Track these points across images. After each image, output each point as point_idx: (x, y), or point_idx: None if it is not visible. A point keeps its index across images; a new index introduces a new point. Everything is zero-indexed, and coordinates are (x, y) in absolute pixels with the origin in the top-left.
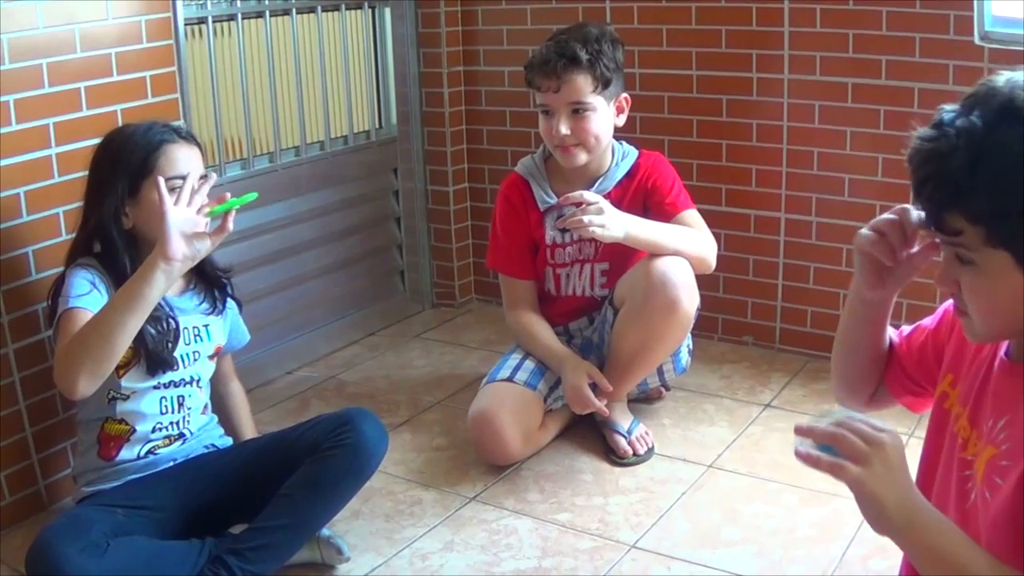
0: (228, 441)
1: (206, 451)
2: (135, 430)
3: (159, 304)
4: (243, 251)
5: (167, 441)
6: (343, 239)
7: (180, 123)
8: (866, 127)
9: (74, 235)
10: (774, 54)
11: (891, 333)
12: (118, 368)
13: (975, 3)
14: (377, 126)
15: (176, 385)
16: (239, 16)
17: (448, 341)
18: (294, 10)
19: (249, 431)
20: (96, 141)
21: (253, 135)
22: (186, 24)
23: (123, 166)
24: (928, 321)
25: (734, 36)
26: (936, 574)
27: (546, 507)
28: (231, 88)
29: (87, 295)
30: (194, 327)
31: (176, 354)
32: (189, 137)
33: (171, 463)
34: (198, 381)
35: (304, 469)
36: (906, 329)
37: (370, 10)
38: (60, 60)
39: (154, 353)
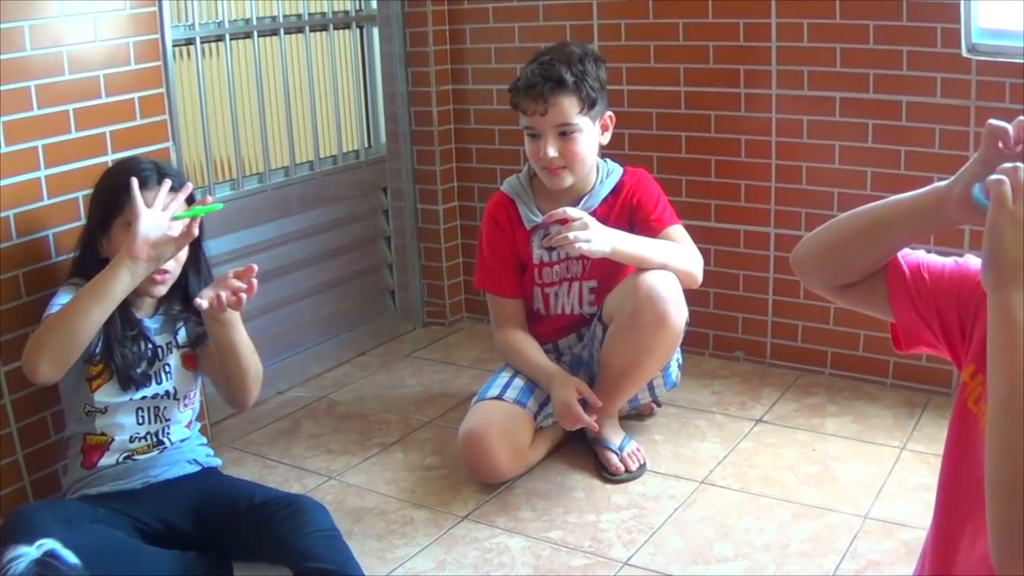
0: (215, 462)
1: (189, 470)
2: (114, 439)
3: (137, 325)
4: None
5: (146, 447)
6: (333, 259)
7: (163, 163)
8: (854, 141)
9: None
10: (762, 69)
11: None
12: (91, 382)
13: (962, 16)
14: (366, 145)
15: (152, 398)
16: (227, 37)
17: (439, 360)
18: (282, 30)
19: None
20: (85, 163)
21: (242, 155)
22: (174, 45)
23: (97, 203)
24: (939, 262)
25: (722, 52)
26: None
27: (538, 525)
28: (220, 109)
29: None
30: (167, 343)
31: (153, 369)
32: (162, 180)
33: (152, 474)
34: (174, 394)
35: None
36: (911, 254)
37: (358, 29)
38: (48, 82)
39: (123, 371)
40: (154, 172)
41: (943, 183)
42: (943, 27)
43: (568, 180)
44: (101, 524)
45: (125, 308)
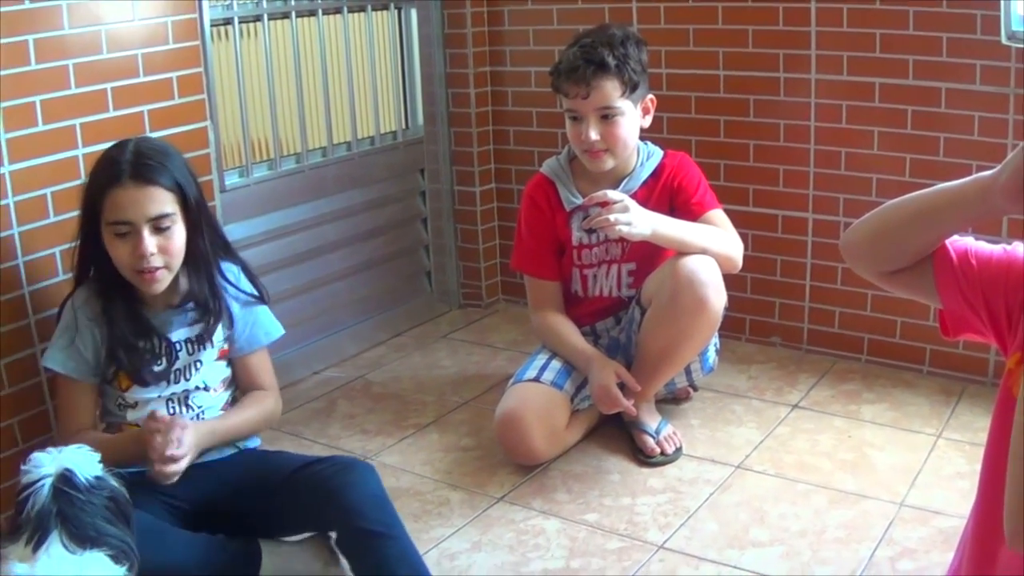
0: (254, 442)
1: (227, 452)
2: None
3: (144, 323)
4: (270, 252)
5: None
6: (370, 240)
7: (149, 148)
8: (893, 127)
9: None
10: (801, 54)
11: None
12: (122, 381)
13: (1002, 3)
14: (404, 127)
15: (183, 392)
16: (265, 17)
17: (475, 341)
18: (320, 11)
19: (227, 424)
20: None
21: (280, 136)
22: (212, 25)
23: (86, 201)
24: (987, 249)
25: (761, 36)
26: None
27: (574, 507)
28: (257, 89)
29: (66, 348)
30: (187, 340)
31: (176, 367)
32: (146, 175)
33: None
34: (206, 387)
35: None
36: (959, 241)
37: (396, 11)
38: (86, 61)
39: (134, 370)
40: (128, 168)
41: (988, 172)
42: (983, 14)
43: (609, 163)
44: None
45: (131, 306)
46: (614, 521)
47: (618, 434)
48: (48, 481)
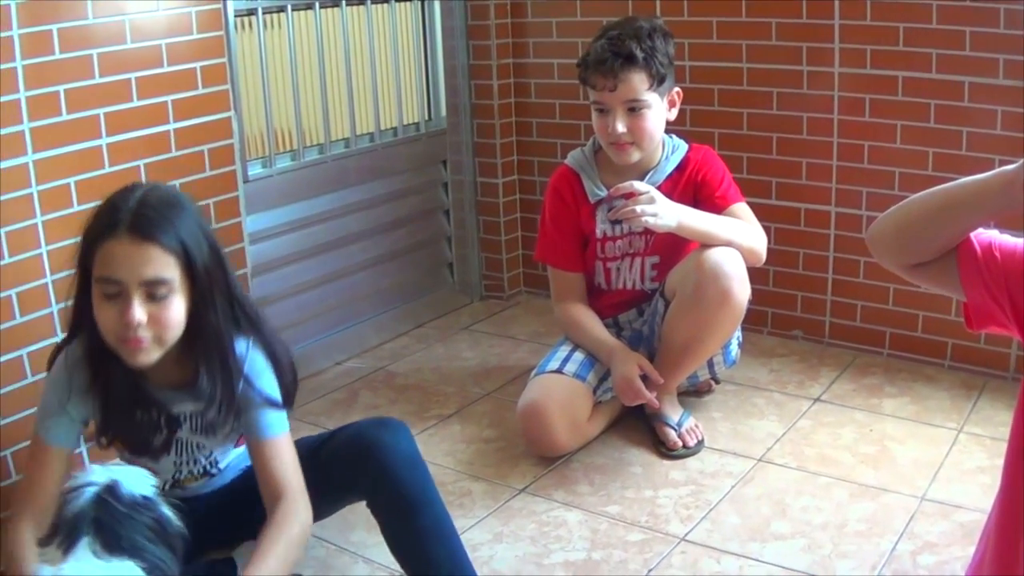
0: None
1: (244, 465)
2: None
3: (144, 392)
4: (292, 242)
5: (192, 478)
6: (392, 231)
7: (157, 199)
8: (916, 121)
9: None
10: (824, 47)
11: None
12: (120, 449)
13: None
14: (426, 118)
15: (191, 457)
16: (289, 7)
17: (497, 333)
18: (343, 2)
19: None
20: (147, 132)
21: (303, 126)
22: (236, 15)
23: (80, 247)
24: (1011, 243)
25: (784, 29)
26: None
27: (595, 499)
28: (281, 79)
29: (55, 419)
30: (192, 414)
31: (179, 437)
32: (145, 230)
33: (203, 492)
34: (212, 455)
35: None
36: (984, 234)
37: (419, 2)
38: (110, 51)
39: (135, 444)
40: (128, 218)
41: (1012, 166)
42: (1006, 8)
43: (635, 156)
44: None
45: (129, 372)
46: (636, 513)
47: (640, 426)
48: (92, 489)
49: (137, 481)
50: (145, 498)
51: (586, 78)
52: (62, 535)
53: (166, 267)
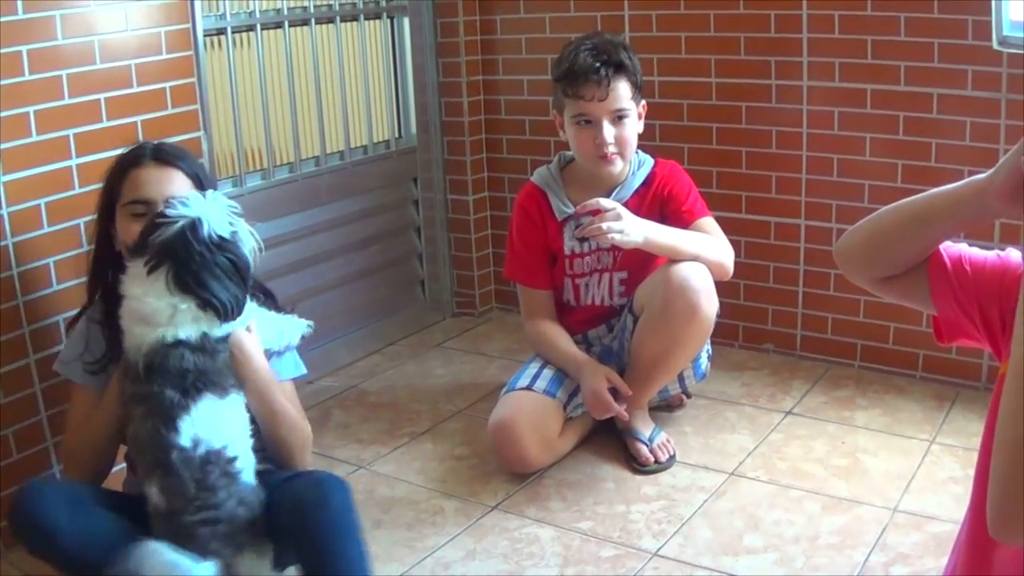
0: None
1: None
2: None
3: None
4: (263, 261)
5: None
6: (363, 249)
7: (170, 143)
8: (885, 133)
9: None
10: (793, 61)
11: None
12: None
13: (993, 8)
14: (396, 136)
15: None
16: (258, 27)
17: (469, 350)
18: (313, 20)
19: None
20: (116, 152)
21: (273, 145)
22: (205, 35)
23: (104, 190)
24: (981, 255)
25: (753, 43)
26: None
27: (568, 515)
28: (251, 98)
29: (78, 360)
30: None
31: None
32: (166, 158)
33: None
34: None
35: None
36: (953, 247)
37: (389, 20)
38: (80, 71)
39: None
40: (150, 151)
41: (982, 175)
42: (974, 19)
43: (619, 166)
44: (109, 510)
45: None
46: (608, 529)
47: (612, 442)
48: (180, 223)
49: (219, 219)
50: (221, 238)
51: (573, 90)
52: (150, 258)
53: (186, 189)
